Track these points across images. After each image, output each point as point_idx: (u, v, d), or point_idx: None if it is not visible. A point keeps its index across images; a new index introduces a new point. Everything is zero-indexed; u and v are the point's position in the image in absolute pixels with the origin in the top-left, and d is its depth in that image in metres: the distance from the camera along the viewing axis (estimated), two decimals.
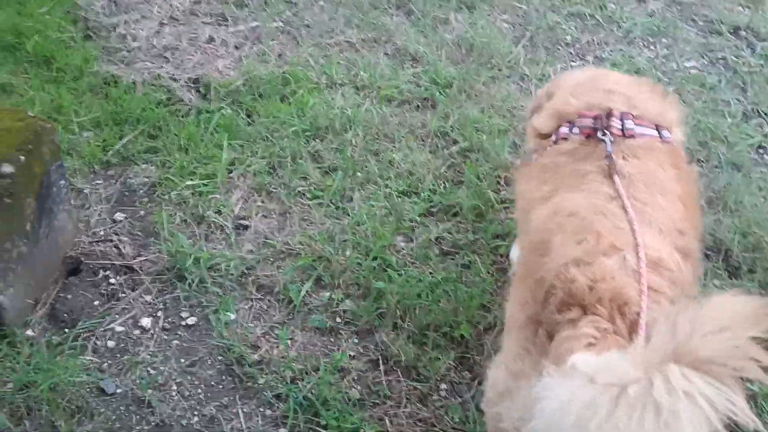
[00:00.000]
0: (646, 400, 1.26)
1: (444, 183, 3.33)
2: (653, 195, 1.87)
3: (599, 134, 2.01)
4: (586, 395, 1.32)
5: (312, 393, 2.48)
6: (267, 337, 2.71)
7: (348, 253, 3.01)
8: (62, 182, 2.79)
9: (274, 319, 2.78)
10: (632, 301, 1.64)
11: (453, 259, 3.00)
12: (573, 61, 4.25)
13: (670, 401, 1.24)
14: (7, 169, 2.39)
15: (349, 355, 2.64)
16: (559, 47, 4.36)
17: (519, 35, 4.42)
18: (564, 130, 2.15)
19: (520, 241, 2.25)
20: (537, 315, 1.78)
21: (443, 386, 2.56)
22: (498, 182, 3.32)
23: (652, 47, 4.36)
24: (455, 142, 3.56)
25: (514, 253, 2.92)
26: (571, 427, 1.33)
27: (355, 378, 2.58)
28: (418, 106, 3.84)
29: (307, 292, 2.85)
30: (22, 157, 2.47)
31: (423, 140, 3.59)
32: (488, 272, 2.92)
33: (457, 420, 2.44)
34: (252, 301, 2.84)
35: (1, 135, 2.50)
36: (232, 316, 2.77)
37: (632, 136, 2.03)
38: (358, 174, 3.38)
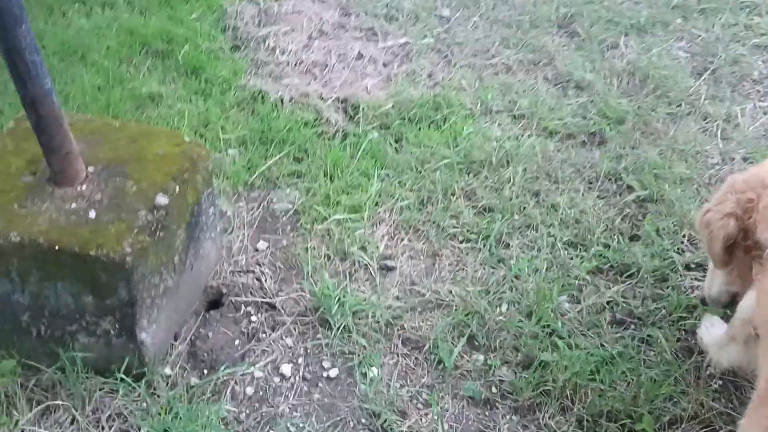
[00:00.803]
0: None
1: (617, 237, 2.93)
2: None
3: None
4: None
5: None
6: (415, 401, 2.43)
7: (504, 308, 2.69)
8: (212, 209, 2.63)
9: (422, 380, 2.50)
10: None
11: (627, 330, 2.61)
12: (762, 101, 3.72)
13: None
14: (163, 200, 2.23)
15: None
16: (745, 83, 3.84)
17: (699, 67, 3.94)
18: None
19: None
20: None
21: None
22: (683, 242, 2.88)
23: None
24: (630, 188, 3.15)
25: (705, 333, 2.51)
26: None
27: None
28: (584, 142, 3.46)
29: (459, 354, 2.55)
30: (178, 187, 2.30)
31: (591, 183, 3.21)
32: (672, 351, 2.51)
33: None
34: (398, 357, 2.57)
35: (157, 161, 2.34)
36: (376, 371, 2.50)
37: None
38: (516, 217, 3.05)
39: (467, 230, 3.01)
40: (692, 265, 2.79)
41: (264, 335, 2.62)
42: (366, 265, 2.87)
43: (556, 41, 4.21)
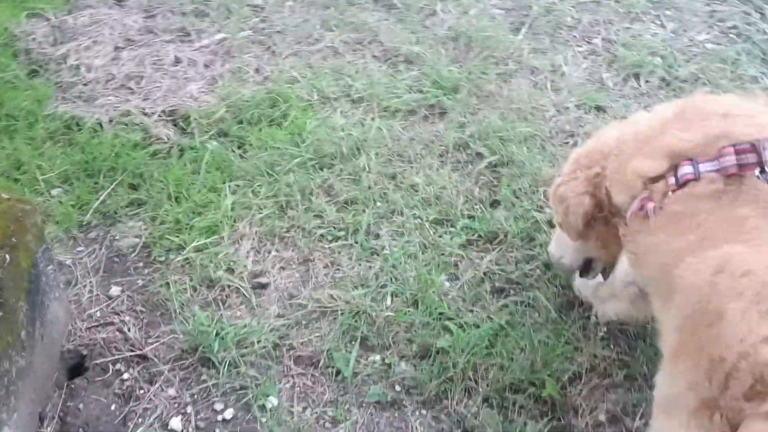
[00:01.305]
0: None
1: (479, 206, 2.96)
2: None
3: (758, 173, 1.66)
4: None
5: None
6: (322, 422, 2.31)
7: (389, 302, 2.63)
8: (50, 267, 2.31)
9: (324, 397, 2.38)
10: None
11: (509, 297, 2.65)
12: (579, 45, 3.92)
13: None
14: None
15: None
16: (561, 31, 4.02)
17: (516, 22, 4.07)
18: (687, 169, 1.80)
19: (659, 301, 1.90)
20: (714, 400, 1.47)
21: None
22: (540, 200, 2.97)
23: (658, 22, 4.07)
24: (480, 155, 3.19)
25: (582, 285, 2.61)
26: None
27: None
28: (426, 116, 3.46)
29: (356, 359, 2.46)
30: (7, 256, 1.99)
31: (442, 157, 3.21)
32: (556, 309, 2.58)
33: None
34: (293, 378, 2.44)
35: None
36: (274, 401, 2.35)
37: None
38: (379, 205, 2.99)
39: (334, 228, 2.90)
40: (554, 222, 2.87)
41: (142, 392, 2.36)
42: (237, 287, 2.68)
43: (376, 16, 4.16)
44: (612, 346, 2.48)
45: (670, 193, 1.87)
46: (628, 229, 2.07)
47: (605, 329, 2.52)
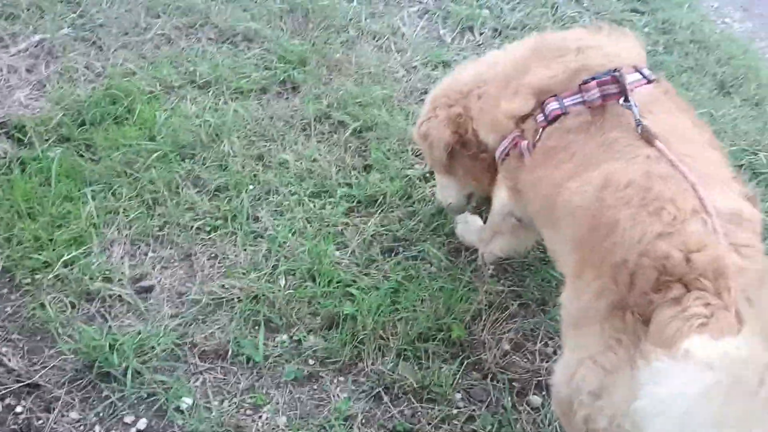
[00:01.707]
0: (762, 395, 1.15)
1: (353, 173, 2.99)
2: (689, 148, 1.75)
3: (622, 102, 1.82)
4: (702, 384, 1.23)
5: None
6: (243, 410, 2.26)
7: (284, 281, 2.61)
8: None
9: (240, 386, 2.32)
10: (731, 268, 1.52)
11: (400, 254, 2.72)
12: (412, 6, 4.04)
13: None
14: None
15: (346, 398, 2.30)
16: None
17: None
18: (554, 105, 1.94)
19: (549, 230, 2.03)
20: (623, 300, 1.61)
21: (458, 396, 2.33)
22: (411, 158, 3.05)
23: None
24: (342, 123, 3.21)
25: (464, 231, 2.73)
26: (682, 415, 1.25)
27: (364, 421, 2.25)
28: (279, 92, 3.42)
29: (264, 343, 2.42)
30: None
31: (306, 131, 3.20)
32: (447, 258, 2.69)
33: (490, 427, 2.24)
34: (203, 374, 2.35)
35: None
36: (189, 401, 2.26)
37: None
38: (252, 187, 2.93)
39: (210, 218, 2.81)
40: (427, 176, 2.98)
41: (41, 422, 2.18)
42: (119, 295, 2.52)
43: None
44: (503, 281, 2.63)
45: (540, 129, 2.02)
46: (505, 169, 2.20)
47: (493, 267, 2.67)
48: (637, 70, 1.96)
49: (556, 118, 1.99)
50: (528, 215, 2.21)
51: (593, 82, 1.89)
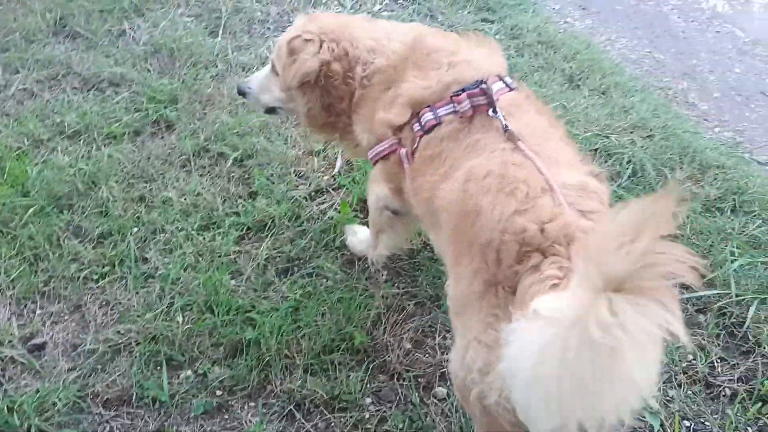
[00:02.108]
0: (586, 339, 1.25)
1: (239, 201, 3.02)
2: (545, 142, 1.93)
3: (491, 113, 1.98)
4: (543, 337, 1.33)
5: None
6: None
7: (182, 317, 2.59)
8: None
9: (149, 428, 2.29)
10: (580, 233, 1.69)
11: (294, 273, 2.77)
12: (276, 35, 4.10)
13: (606, 338, 1.22)
14: None
15: (258, 422, 2.31)
16: (255, 26, 4.20)
17: (211, 26, 4.14)
18: (429, 116, 2.09)
19: (434, 231, 2.15)
20: (494, 277, 1.74)
21: (368, 400, 2.39)
22: (294, 179, 3.11)
23: (336, 2, 4.43)
24: (222, 155, 3.23)
25: (354, 242, 2.82)
26: (531, 368, 1.35)
27: None
28: (154, 132, 3.40)
29: (168, 382, 2.39)
30: None
31: (186, 166, 3.20)
32: (340, 269, 2.76)
33: (401, 425, 2.31)
34: (109, 423, 2.30)
35: None
36: None
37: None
38: (136, 230, 2.90)
39: (96, 266, 2.75)
40: (312, 194, 3.05)
41: None
42: (11, 357, 2.43)
43: (62, 48, 3.93)
44: (397, 284, 2.73)
45: (418, 138, 2.15)
46: (383, 170, 2.33)
47: (387, 273, 2.77)
48: (501, 78, 2.14)
49: (431, 128, 2.13)
50: (403, 208, 2.36)
51: (464, 94, 2.05)
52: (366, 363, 2.46)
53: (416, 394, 2.40)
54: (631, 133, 3.48)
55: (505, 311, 1.69)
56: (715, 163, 3.31)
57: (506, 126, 1.92)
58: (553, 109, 2.47)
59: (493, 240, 1.74)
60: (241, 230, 2.91)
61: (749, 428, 2.35)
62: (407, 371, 2.47)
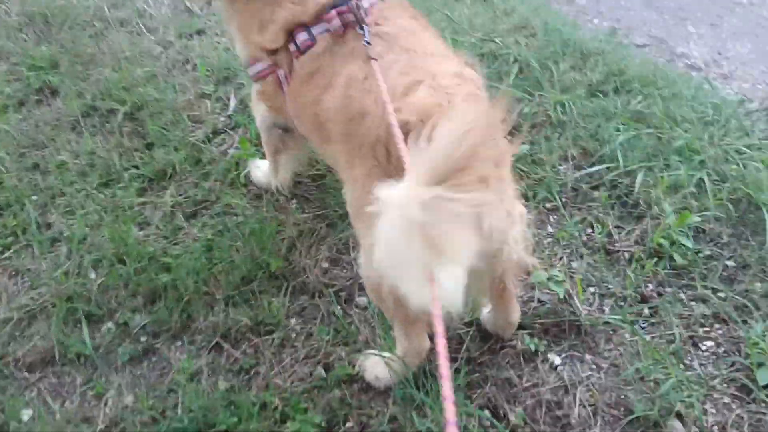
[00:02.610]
0: (414, 222, 1.33)
1: (136, 153, 2.98)
2: (416, 40, 1.99)
3: (358, 30, 2.01)
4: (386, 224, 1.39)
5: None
6: (85, 404, 2.24)
7: (93, 275, 2.58)
8: None
9: (77, 383, 2.30)
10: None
11: (205, 214, 2.78)
12: None
13: (429, 223, 1.32)
14: None
15: (187, 358, 2.35)
16: None
17: None
18: (304, 36, 2.10)
19: (325, 145, 2.18)
20: (387, 172, 1.78)
21: (293, 321, 2.45)
22: (189, 125, 3.09)
23: None
24: (112, 111, 3.17)
25: (258, 175, 2.84)
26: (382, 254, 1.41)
27: (210, 372, 2.32)
28: (38, 100, 3.30)
29: (90, 337, 2.39)
30: None
31: (75, 128, 3.13)
32: (251, 206, 2.78)
33: (327, 336, 2.39)
34: (36, 384, 2.29)
35: None
36: (30, 412, 2.21)
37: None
38: (35, 197, 2.84)
39: None
40: (210, 136, 3.05)
41: None
42: None
43: None
44: (307, 210, 2.78)
45: (295, 59, 2.17)
46: (262, 91, 2.35)
47: (294, 200, 2.81)
48: None
49: (307, 48, 2.14)
50: (289, 122, 2.41)
51: (333, 12, 2.07)
52: (286, 286, 2.51)
53: (338, 307, 2.47)
54: (515, 33, 3.57)
55: None
56: (595, 51, 3.45)
57: (368, 42, 1.96)
58: (438, 19, 2.53)
59: (380, 137, 1.80)
60: (143, 182, 2.89)
61: (649, 285, 2.53)
62: (327, 287, 2.53)
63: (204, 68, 3.33)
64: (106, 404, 2.24)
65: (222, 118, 3.15)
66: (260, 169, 2.84)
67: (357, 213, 1.98)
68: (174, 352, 2.38)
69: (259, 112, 2.51)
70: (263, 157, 2.91)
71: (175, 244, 2.66)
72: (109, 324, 2.45)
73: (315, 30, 2.13)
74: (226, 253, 2.58)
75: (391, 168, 1.79)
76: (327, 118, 2.04)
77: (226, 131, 3.09)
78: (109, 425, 2.17)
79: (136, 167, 2.93)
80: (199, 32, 3.62)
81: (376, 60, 1.92)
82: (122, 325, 2.44)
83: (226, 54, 3.45)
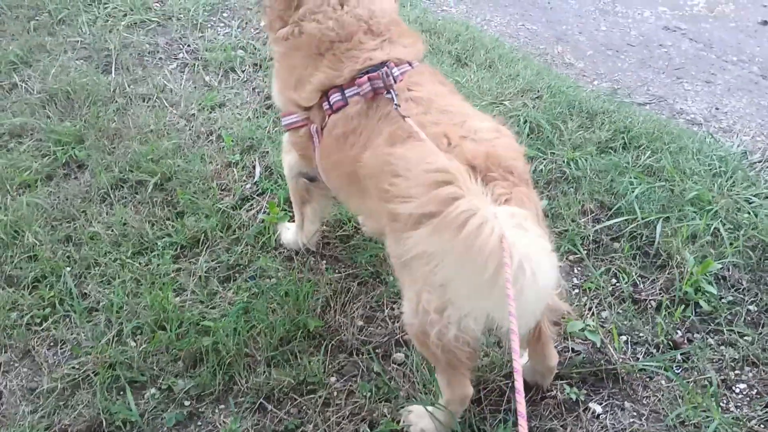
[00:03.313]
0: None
1: (169, 222, 3.06)
2: (449, 102, 2.14)
3: (386, 95, 2.15)
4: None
5: None
6: None
7: (133, 343, 2.62)
8: None
9: None
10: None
11: (237, 279, 2.85)
12: (170, 64, 4.16)
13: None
14: None
15: (233, 420, 2.37)
16: (146, 57, 4.22)
17: (102, 64, 4.16)
18: (337, 97, 2.24)
19: (359, 200, 2.30)
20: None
21: (333, 378, 2.50)
22: (217, 192, 3.18)
23: (222, 24, 4.52)
24: (141, 182, 3.26)
25: (289, 239, 2.93)
26: None
27: None
28: (66, 174, 3.38)
29: (135, 403, 2.42)
30: None
31: (105, 200, 3.20)
32: (283, 267, 2.85)
33: (368, 393, 2.43)
34: None
35: None
36: None
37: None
38: (69, 268, 2.89)
39: (37, 309, 2.73)
40: (239, 203, 3.13)
41: None
42: None
43: None
44: (338, 269, 2.86)
45: (327, 116, 2.30)
46: (294, 139, 2.50)
47: (325, 261, 2.89)
48: (409, 63, 2.31)
49: (339, 108, 2.28)
50: (315, 172, 2.54)
51: (365, 78, 2.21)
52: (324, 345, 2.57)
53: (377, 363, 2.52)
54: (522, 96, 3.75)
55: None
56: (600, 110, 3.63)
57: (397, 105, 2.10)
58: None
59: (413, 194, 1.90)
60: (176, 249, 2.95)
61: (678, 330, 2.62)
62: (364, 345, 2.59)
63: (229, 138, 3.45)
64: None
65: (249, 186, 3.24)
66: (290, 231, 2.93)
67: (402, 264, 2.04)
68: (219, 415, 2.41)
69: (287, 161, 2.65)
70: (291, 219, 3.01)
71: (212, 308, 2.72)
72: (153, 390, 2.47)
73: (348, 92, 2.27)
74: (263, 314, 2.64)
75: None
76: (367, 174, 2.15)
77: (253, 197, 3.18)
78: None
79: (169, 235, 3.00)
80: (220, 105, 3.76)
81: (409, 117, 2.05)
82: (166, 390, 2.47)
83: (248, 124, 3.58)
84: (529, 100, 3.71)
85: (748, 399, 2.41)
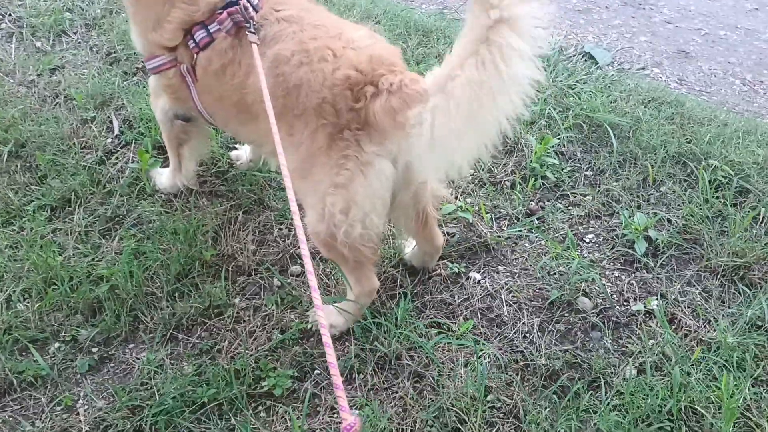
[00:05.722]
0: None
1: (33, 187, 2.97)
2: (323, 18, 2.29)
3: (248, 28, 2.24)
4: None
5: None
6: (59, 417, 2.26)
7: (22, 306, 2.57)
8: None
9: (42, 402, 2.30)
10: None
11: (118, 229, 2.85)
12: None
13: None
14: None
15: (146, 355, 2.43)
16: None
17: None
18: (202, 34, 2.30)
19: (248, 126, 2.39)
20: (337, 125, 2.07)
21: (237, 299, 2.61)
22: (81, 147, 3.12)
23: None
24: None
25: (162, 181, 2.96)
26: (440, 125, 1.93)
27: (173, 362, 2.42)
28: None
29: (43, 359, 2.41)
30: None
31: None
32: (164, 211, 2.89)
33: (274, 306, 2.58)
34: None
35: None
36: None
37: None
38: None
39: None
40: (103, 158, 3.09)
41: None
42: None
43: None
44: (221, 201, 2.95)
45: (195, 54, 2.37)
46: (163, 83, 2.53)
47: (205, 198, 2.96)
48: None
49: (206, 45, 2.35)
50: (190, 112, 2.62)
51: (225, 14, 2.29)
52: (222, 271, 2.67)
53: (276, 279, 2.67)
54: (362, 23, 3.95)
55: (356, 148, 2.06)
56: (434, 28, 3.92)
57: (253, 32, 2.23)
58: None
59: (325, 98, 2.06)
60: (47, 211, 2.89)
61: (532, 201, 2.98)
62: (260, 265, 2.72)
63: (80, 96, 3.36)
64: (78, 414, 2.28)
65: (110, 140, 3.21)
66: (163, 176, 2.96)
67: (303, 173, 2.18)
68: (130, 354, 2.46)
69: (159, 105, 2.66)
70: (164, 165, 3.04)
71: (99, 260, 2.72)
72: (57, 344, 2.47)
73: (211, 27, 2.34)
74: (156, 254, 2.68)
75: (342, 120, 2.06)
76: (256, 99, 2.25)
77: (118, 150, 3.16)
78: (92, 428, 2.21)
79: (38, 199, 2.93)
80: (60, 68, 3.63)
81: (255, 44, 2.19)
82: (71, 342, 2.47)
83: (94, 81, 3.50)
84: (371, 26, 3.91)
85: (597, 245, 2.83)
